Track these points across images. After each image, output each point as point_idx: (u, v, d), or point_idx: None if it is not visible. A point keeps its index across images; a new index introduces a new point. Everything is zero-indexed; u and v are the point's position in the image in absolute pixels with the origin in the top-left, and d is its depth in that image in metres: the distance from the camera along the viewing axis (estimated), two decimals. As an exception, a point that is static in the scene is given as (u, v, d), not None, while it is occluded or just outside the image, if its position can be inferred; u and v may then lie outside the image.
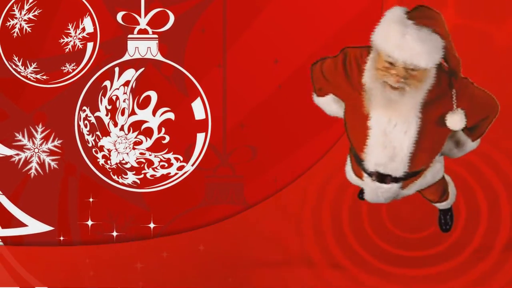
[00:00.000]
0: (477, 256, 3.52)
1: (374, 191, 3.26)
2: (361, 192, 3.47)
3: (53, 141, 3.50)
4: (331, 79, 3.19)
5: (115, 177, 3.50)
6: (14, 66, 3.47)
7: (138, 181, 3.49)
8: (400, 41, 2.90)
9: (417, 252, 3.53)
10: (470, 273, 3.52)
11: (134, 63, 3.46)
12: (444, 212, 3.56)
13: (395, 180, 3.20)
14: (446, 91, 3.06)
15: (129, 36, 3.47)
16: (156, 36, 3.46)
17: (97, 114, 3.47)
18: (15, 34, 3.46)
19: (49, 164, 3.49)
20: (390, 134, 3.07)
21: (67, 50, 3.46)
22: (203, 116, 3.47)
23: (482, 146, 3.31)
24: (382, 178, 3.20)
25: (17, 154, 3.49)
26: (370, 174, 3.20)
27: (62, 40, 3.46)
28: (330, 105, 3.26)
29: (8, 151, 3.49)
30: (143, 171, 3.48)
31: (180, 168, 3.48)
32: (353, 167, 3.31)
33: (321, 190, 3.54)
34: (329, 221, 3.54)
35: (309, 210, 3.54)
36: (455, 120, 3.06)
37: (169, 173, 3.49)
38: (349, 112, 3.19)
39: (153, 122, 3.46)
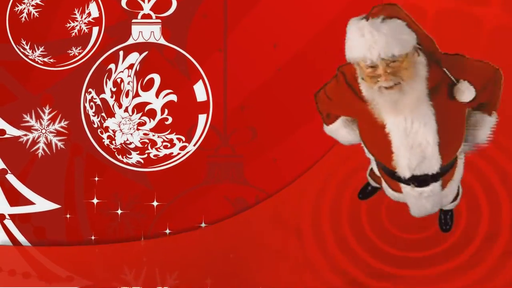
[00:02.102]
0: (478, 257, 3.51)
1: (418, 200, 3.23)
2: (361, 192, 3.50)
3: (60, 122, 3.51)
4: (338, 100, 3.18)
5: (119, 157, 3.51)
6: (22, 50, 3.48)
7: (142, 161, 3.51)
8: (362, 41, 2.90)
9: (417, 252, 3.52)
10: (471, 273, 3.51)
11: (138, 47, 3.48)
12: (444, 212, 3.51)
13: (434, 178, 3.17)
14: (440, 71, 3.05)
15: (133, 20, 3.48)
16: (159, 21, 3.47)
17: (102, 96, 3.49)
18: (23, 18, 3.47)
19: (56, 144, 3.51)
20: (411, 133, 3.04)
21: (73, 34, 3.48)
22: (204, 98, 3.49)
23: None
24: (420, 181, 3.17)
25: (25, 135, 3.51)
26: (407, 182, 3.17)
27: (68, 25, 3.47)
28: (341, 130, 3.25)
29: (16, 132, 3.51)
30: (146, 151, 3.50)
31: (182, 148, 3.50)
32: (389, 183, 3.29)
33: (320, 189, 3.52)
34: (328, 221, 3.53)
35: (308, 210, 3.53)
36: (463, 91, 3.05)
37: (172, 153, 3.50)
38: (365, 127, 3.17)
39: (156, 104, 3.47)
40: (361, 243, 3.52)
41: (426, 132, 3.03)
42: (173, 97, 3.48)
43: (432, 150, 3.06)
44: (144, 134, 3.50)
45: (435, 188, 3.20)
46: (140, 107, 3.48)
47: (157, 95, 3.48)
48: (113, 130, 3.51)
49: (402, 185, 3.22)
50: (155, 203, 3.52)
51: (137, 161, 3.52)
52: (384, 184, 3.34)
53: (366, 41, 2.90)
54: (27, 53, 3.50)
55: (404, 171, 3.12)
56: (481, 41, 3.44)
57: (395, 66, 2.92)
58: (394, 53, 2.90)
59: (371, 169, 3.40)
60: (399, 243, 3.50)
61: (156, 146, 3.50)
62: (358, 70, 3.01)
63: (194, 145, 3.51)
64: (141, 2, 3.48)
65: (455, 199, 3.44)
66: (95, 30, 3.49)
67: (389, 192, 3.34)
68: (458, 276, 3.51)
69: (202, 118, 3.50)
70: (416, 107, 3.00)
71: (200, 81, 3.49)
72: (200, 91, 3.49)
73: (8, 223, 3.53)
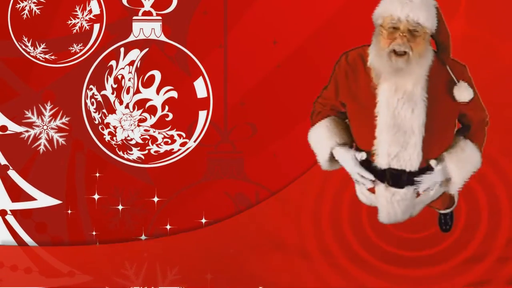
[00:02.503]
0: (476, 256, 3.52)
1: (390, 203, 3.21)
2: None
3: (61, 118, 3.52)
4: (335, 82, 3.20)
5: (120, 153, 3.52)
6: (23, 47, 3.50)
7: (143, 157, 3.52)
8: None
9: (417, 252, 3.52)
10: (470, 273, 3.53)
11: (139, 44, 3.49)
12: (444, 212, 3.53)
13: (411, 181, 3.16)
14: (442, 69, 3.11)
15: (134, 17, 3.49)
16: (160, 18, 3.48)
17: (103, 92, 3.50)
18: (24, 16, 3.48)
19: (57, 141, 3.52)
20: (399, 116, 3.07)
21: (75, 31, 3.49)
22: (205, 95, 3.50)
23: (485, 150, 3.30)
24: (396, 179, 3.16)
25: (27, 131, 3.52)
26: (382, 178, 3.17)
27: (69, 22, 3.48)
28: (319, 130, 3.24)
29: (18, 128, 3.52)
30: (147, 147, 3.51)
31: (183, 144, 3.51)
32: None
33: (320, 189, 3.53)
34: (328, 220, 3.54)
35: (309, 209, 3.54)
36: (462, 91, 3.11)
37: (173, 149, 3.51)
38: (354, 111, 3.18)
39: (157, 100, 3.48)
40: (361, 242, 3.54)
41: (413, 120, 3.07)
42: (174, 94, 3.49)
43: (415, 141, 3.09)
44: (145, 130, 3.51)
45: (408, 192, 3.19)
46: (141, 104, 3.49)
47: (157, 91, 3.49)
48: (114, 126, 3.52)
49: (377, 185, 3.21)
50: (155, 199, 3.53)
51: (138, 157, 3.53)
52: (357, 187, 3.33)
53: (406, 1, 3.04)
54: (28, 50, 3.51)
55: (382, 159, 3.13)
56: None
57: (413, 35, 3.04)
58: (419, 20, 3.04)
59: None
60: (399, 242, 3.51)
61: (157, 142, 3.51)
62: (375, 35, 3.10)
63: (195, 141, 3.52)
64: (142, -1, 3.51)
65: (452, 204, 3.46)
66: (96, 27, 3.50)
67: (362, 192, 3.32)
68: (456, 275, 3.53)
69: (202, 114, 3.51)
70: (413, 86, 3.08)
71: (201, 77, 3.50)
72: (201, 88, 3.50)
73: (10, 218, 3.55)
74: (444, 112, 3.14)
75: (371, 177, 3.18)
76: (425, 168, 3.16)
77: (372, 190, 3.26)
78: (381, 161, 3.14)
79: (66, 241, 3.55)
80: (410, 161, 3.12)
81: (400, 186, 3.18)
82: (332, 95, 3.22)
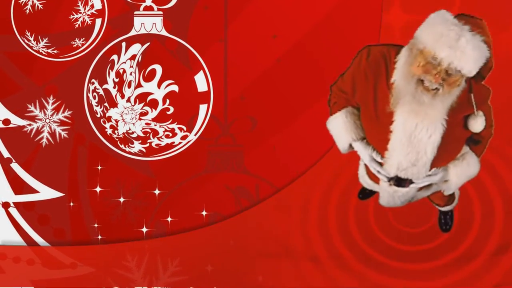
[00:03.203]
0: (471, 253, 3.53)
1: (391, 195, 3.22)
2: (360, 192, 3.52)
3: (63, 112, 3.53)
4: (354, 79, 3.09)
5: (122, 146, 3.54)
6: (26, 41, 3.51)
7: (144, 150, 3.53)
8: (454, 42, 2.81)
9: (420, 246, 3.54)
10: (463, 270, 3.54)
11: (140, 38, 3.50)
12: (444, 212, 3.52)
13: (413, 182, 3.16)
14: (467, 95, 3.00)
15: (135, 12, 3.50)
16: (161, 12, 3.49)
17: (105, 86, 3.51)
18: (27, 10, 3.49)
19: (59, 134, 3.54)
20: (415, 139, 3.00)
21: (77, 26, 3.50)
22: (205, 88, 3.51)
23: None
24: (401, 182, 3.15)
25: (30, 124, 3.54)
26: (388, 179, 3.16)
27: (72, 17, 3.49)
28: (337, 121, 3.18)
29: (21, 122, 3.53)
30: (148, 141, 3.52)
31: (183, 137, 3.52)
32: (369, 173, 3.27)
33: (327, 187, 3.53)
34: (334, 218, 3.55)
35: (315, 207, 3.55)
36: (477, 123, 3.04)
37: (173, 142, 3.53)
38: (368, 115, 3.10)
39: (158, 94, 3.49)
40: (367, 240, 3.56)
41: (428, 144, 3.01)
42: (175, 88, 3.50)
43: (426, 161, 3.06)
44: (146, 123, 3.52)
45: (411, 190, 3.20)
46: (142, 97, 3.50)
47: (159, 85, 3.50)
48: (115, 120, 3.53)
49: (381, 179, 3.21)
50: (157, 191, 3.55)
51: (139, 150, 3.54)
52: (361, 172, 3.33)
53: (457, 46, 2.83)
54: (31, 45, 3.52)
55: (391, 170, 3.11)
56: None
57: (449, 78, 2.87)
58: (462, 71, 2.86)
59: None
60: (403, 237, 3.53)
61: (158, 136, 3.53)
62: (410, 53, 2.91)
63: (195, 134, 3.53)
64: (143, -6, 3.52)
65: (452, 201, 3.45)
66: (98, 22, 3.51)
67: (365, 180, 3.33)
68: (451, 271, 3.55)
69: (203, 108, 3.52)
70: (433, 118, 2.96)
71: (201, 71, 3.51)
72: (201, 82, 3.51)
73: (13, 211, 3.57)
74: (459, 134, 3.10)
75: (386, 175, 3.16)
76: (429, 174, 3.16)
77: (375, 180, 3.25)
78: (390, 171, 3.12)
79: (68, 233, 3.57)
80: (418, 174, 3.11)
81: (403, 187, 3.18)
82: (349, 90, 3.13)
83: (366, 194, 3.53)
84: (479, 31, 2.89)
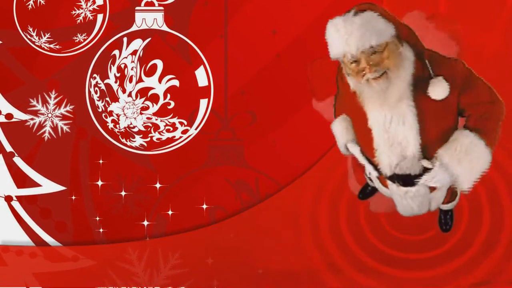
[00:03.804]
0: (477, 259, 3.51)
1: (403, 198, 3.20)
2: (361, 192, 3.50)
3: (65, 106, 3.54)
4: (339, 97, 3.21)
5: (123, 140, 3.54)
6: (29, 36, 3.52)
7: (145, 144, 3.54)
8: (338, 36, 2.92)
9: (416, 254, 3.51)
10: (470, 275, 3.51)
11: (141, 34, 3.51)
12: (444, 212, 3.48)
13: (416, 177, 3.12)
14: (424, 69, 3.01)
15: (137, 8, 3.51)
16: (162, 8, 3.50)
17: (106, 81, 3.52)
18: (30, 6, 3.50)
19: (61, 128, 3.54)
20: (390, 130, 3.01)
21: (79, 21, 3.51)
22: (206, 83, 3.52)
23: None
24: (404, 180, 3.13)
25: (32, 119, 3.54)
26: (391, 180, 3.15)
27: (74, 12, 3.50)
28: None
29: (23, 116, 3.54)
30: (149, 135, 3.53)
31: (184, 131, 3.53)
32: (379, 178, 3.27)
33: (318, 189, 3.53)
34: (327, 221, 3.54)
35: (307, 211, 3.55)
36: (437, 88, 2.98)
37: (174, 136, 3.54)
38: (355, 125, 3.17)
39: (159, 88, 3.50)
40: (359, 244, 3.55)
41: (406, 131, 3.00)
42: (175, 82, 3.51)
43: (413, 150, 3.03)
44: (147, 118, 3.53)
45: (421, 189, 3.17)
46: (143, 92, 3.52)
47: (160, 80, 3.51)
48: (117, 114, 3.54)
49: (388, 182, 3.21)
50: (158, 185, 3.56)
51: (140, 144, 3.55)
52: (376, 182, 3.33)
53: (342, 36, 2.91)
54: (33, 40, 3.53)
55: (385, 169, 3.11)
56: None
57: (376, 58, 2.91)
58: (372, 44, 2.89)
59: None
60: (398, 244, 3.52)
61: (159, 130, 3.53)
62: (343, 66, 3.01)
63: (196, 128, 3.54)
64: (144, -10, 3.51)
65: (454, 198, 3.42)
66: (100, 17, 3.51)
67: (380, 187, 3.33)
68: (457, 277, 3.53)
69: (203, 102, 3.53)
70: (397, 99, 2.96)
71: (202, 66, 3.52)
72: (202, 76, 3.52)
73: (15, 204, 3.58)
74: (438, 112, 3.05)
75: (376, 173, 3.17)
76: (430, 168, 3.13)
77: (385, 185, 3.25)
78: (385, 170, 3.13)
79: (70, 227, 3.58)
80: (412, 167, 3.10)
81: (411, 185, 3.16)
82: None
83: (367, 194, 3.52)
84: (354, 9, 2.95)
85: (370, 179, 3.40)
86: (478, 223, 3.50)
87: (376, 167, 3.15)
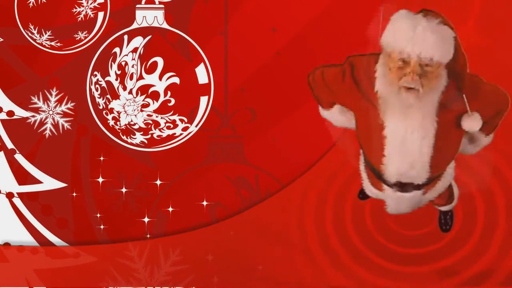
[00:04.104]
0: (473, 255, 3.52)
1: (396, 201, 3.20)
2: (361, 192, 3.49)
3: (66, 103, 3.55)
4: (338, 90, 3.13)
5: (124, 137, 3.55)
6: (30, 34, 3.52)
7: (146, 141, 3.55)
8: (412, 33, 2.81)
9: (419, 249, 3.52)
10: (465, 272, 3.52)
11: (142, 31, 3.51)
12: (444, 212, 3.49)
13: (417, 187, 3.13)
14: (457, 93, 2.97)
15: (137, 6, 3.51)
16: (162, 6, 3.50)
17: (107, 78, 3.52)
18: (31, 4, 3.51)
19: (62, 125, 3.55)
20: (407, 142, 2.97)
21: (80, 19, 3.51)
22: (206, 81, 3.52)
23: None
24: (404, 187, 3.12)
25: (33, 116, 3.55)
26: (391, 185, 3.13)
27: (74, 10, 3.51)
28: (337, 116, 3.22)
29: (24, 113, 3.55)
30: (150, 132, 3.54)
31: (184, 129, 3.54)
32: (372, 181, 3.26)
33: (323, 187, 3.54)
34: (331, 219, 3.55)
35: (312, 208, 3.56)
36: (471, 123, 2.98)
37: (175, 133, 3.54)
38: (361, 123, 3.11)
39: (160, 86, 3.51)
40: (364, 241, 3.56)
41: (422, 146, 2.98)
42: (176, 80, 3.52)
43: (423, 162, 3.03)
44: (148, 115, 3.53)
45: (416, 194, 3.17)
46: (144, 89, 3.52)
47: (160, 77, 3.51)
48: (117, 112, 3.54)
49: (385, 186, 3.20)
50: (158, 182, 3.56)
51: (141, 141, 3.56)
52: (365, 181, 3.32)
53: (415, 36, 2.81)
54: (35, 37, 3.53)
55: (391, 176, 3.09)
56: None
57: (425, 70, 2.84)
58: (434, 58, 2.82)
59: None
60: (404, 241, 3.53)
61: (160, 127, 3.54)
62: (383, 60, 2.91)
63: (196, 126, 3.55)
64: (145, -12, 3.52)
65: (451, 200, 3.43)
66: (101, 15, 3.52)
67: (369, 188, 3.32)
68: (454, 274, 3.55)
69: (203, 100, 3.53)
70: (423, 119, 2.93)
71: (202, 64, 3.52)
72: (202, 74, 3.53)
73: (17, 201, 3.58)
74: (454, 134, 3.07)
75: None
76: (432, 178, 3.13)
77: (379, 188, 3.24)
78: (390, 177, 3.11)
79: (71, 223, 3.58)
80: (419, 177, 3.09)
81: (407, 192, 3.17)
82: (332, 95, 3.16)
83: (366, 194, 3.51)
84: (436, 15, 2.87)
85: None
86: (472, 224, 3.52)
87: (378, 173, 3.14)
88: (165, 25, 3.52)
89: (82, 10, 3.52)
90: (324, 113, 3.30)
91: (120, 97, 3.53)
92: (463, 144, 3.16)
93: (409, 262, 3.53)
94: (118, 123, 3.55)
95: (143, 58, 3.52)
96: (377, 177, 3.19)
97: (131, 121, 3.55)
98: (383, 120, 2.99)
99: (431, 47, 2.81)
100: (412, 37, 2.81)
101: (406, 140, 2.99)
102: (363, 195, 3.51)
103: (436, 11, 2.94)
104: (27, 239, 3.59)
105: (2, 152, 3.58)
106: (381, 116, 2.99)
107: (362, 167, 3.34)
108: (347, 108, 3.20)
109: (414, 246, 3.52)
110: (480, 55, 3.29)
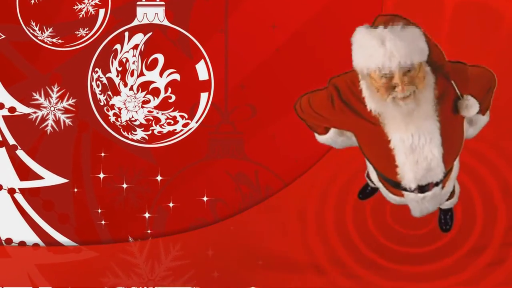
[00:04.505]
0: (475, 253, 3.53)
1: (421, 203, 3.16)
2: (361, 192, 3.52)
3: (67, 100, 3.56)
4: (330, 116, 3.05)
5: (125, 133, 3.56)
6: (31, 31, 3.53)
7: (146, 137, 3.56)
8: (383, 49, 2.74)
9: (418, 248, 3.53)
10: (463, 273, 3.53)
11: (143, 28, 3.53)
12: (444, 212, 3.49)
13: (437, 184, 3.10)
14: (447, 83, 2.94)
15: (138, 3, 3.52)
16: (163, 3, 3.52)
17: (108, 75, 3.54)
18: (32, 1, 3.53)
19: (64, 121, 3.56)
20: (417, 148, 2.93)
21: (81, 16, 3.52)
22: (206, 77, 3.54)
23: (477, 146, 3.33)
24: (424, 188, 3.09)
25: (35, 112, 3.56)
26: (412, 191, 3.09)
27: (76, 7, 3.52)
28: (336, 139, 3.17)
29: (26, 109, 3.56)
30: (151, 128, 3.55)
31: (185, 125, 3.55)
32: (390, 190, 3.21)
33: (325, 188, 3.54)
34: (332, 218, 3.56)
35: (312, 208, 3.57)
36: (469, 109, 2.95)
37: (175, 129, 3.56)
38: (363, 140, 3.06)
39: (160, 82, 3.52)
40: (365, 241, 3.58)
41: (432, 147, 2.94)
42: (176, 76, 3.53)
43: (437, 162, 2.99)
44: (149, 111, 3.54)
45: (436, 191, 3.15)
46: (144, 86, 3.53)
47: (161, 74, 3.53)
48: (118, 108, 3.56)
49: (405, 192, 3.17)
50: (159, 178, 3.58)
51: (141, 137, 3.57)
52: (383, 190, 3.29)
53: (387, 50, 2.74)
54: (36, 34, 3.54)
55: (410, 183, 3.05)
56: (501, 35, 3.46)
57: (411, 76, 2.79)
58: (414, 61, 2.77)
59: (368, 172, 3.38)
60: (404, 240, 3.54)
61: (160, 123, 3.55)
62: (366, 82, 2.86)
63: (196, 122, 3.56)
64: (146, -15, 3.53)
65: (452, 196, 3.41)
66: (102, 12, 3.53)
67: (389, 196, 3.29)
68: (452, 273, 3.56)
69: (204, 96, 3.55)
70: (425, 119, 2.89)
71: (202, 60, 3.54)
72: (202, 70, 3.54)
73: (18, 196, 3.60)
74: (456, 123, 3.05)
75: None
76: (447, 171, 3.10)
77: (399, 195, 3.21)
78: (409, 184, 3.06)
79: (73, 219, 3.59)
80: (436, 175, 3.05)
81: (429, 191, 3.14)
82: (326, 121, 3.11)
83: (366, 194, 3.54)
84: (395, 21, 2.82)
85: (371, 180, 3.40)
86: (471, 224, 3.54)
87: (395, 183, 3.11)
88: (166, 22, 3.53)
89: (83, 7, 3.53)
90: (321, 138, 3.24)
91: (121, 93, 3.55)
92: (465, 128, 3.13)
93: (409, 261, 3.55)
94: (119, 119, 3.57)
95: (144, 55, 3.53)
96: (395, 187, 3.15)
97: (132, 117, 3.56)
98: (387, 133, 2.95)
99: (407, 53, 2.75)
100: (384, 53, 2.74)
101: (415, 146, 2.94)
102: (363, 195, 3.53)
103: (391, 14, 2.89)
104: (29, 234, 3.60)
105: (4, 148, 3.59)
106: (384, 130, 2.95)
107: (374, 177, 3.28)
108: (344, 130, 3.17)
109: (414, 245, 3.54)
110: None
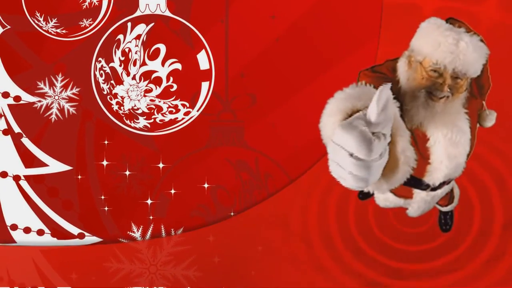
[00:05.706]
0: (469, 254, 3.54)
1: (430, 202, 3.14)
2: (360, 192, 3.51)
3: (71, 89, 3.58)
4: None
5: (128, 122, 3.59)
6: (36, 21, 3.55)
7: (149, 125, 3.58)
8: (455, 47, 2.72)
9: (419, 246, 3.54)
10: (462, 271, 3.54)
11: (145, 19, 3.54)
12: (444, 212, 3.50)
13: (449, 181, 3.08)
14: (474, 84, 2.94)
15: None
16: None
17: (111, 64, 3.56)
18: (37, -8, 3.53)
19: (68, 110, 3.58)
20: (454, 143, 2.90)
21: (85, 7, 3.54)
22: (207, 67, 3.55)
23: (476, 148, 3.22)
24: (440, 186, 3.05)
25: (39, 101, 3.58)
26: (426, 189, 3.05)
27: None
28: None
29: (31, 98, 3.58)
30: (153, 116, 3.57)
31: (186, 113, 3.57)
32: (397, 193, 3.17)
33: (327, 187, 3.56)
34: (335, 217, 3.58)
35: (315, 205, 3.59)
36: (488, 121, 3.02)
37: (177, 118, 3.58)
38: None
39: (162, 72, 3.54)
40: (367, 240, 3.60)
41: (464, 142, 2.94)
42: (178, 66, 3.55)
43: (463, 159, 2.97)
44: (151, 100, 3.56)
45: (445, 189, 3.16)
46: (147, 75, 3.55)
47: (162, 63, 3.55)
48: (121, 97, 3.58)
49: (416, 191, 3.13)
50: (161, 165, 3.60)
51: (144, 125, 3.60)
52: (377, 195, 3.28)
53: (457, 50, 2.72)
54: (41, 25, 3.57)
55: (437, 180, 3.00)
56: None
57: (456, 83, 2.78)
58: (467, 74, 2.77)
59: None
60: (405, 238, 3.56)
61: (162, 112, 3.57)
62: (412, 67, 2.81)
63: (198, 110, 3.58)
64: (148, -23, 3.54)
65: (452, 200, 3.42)
66: (105, 3, 3.55)
67: (389, 200, 3.26)
68: (450, 272, 3.58)
69: (205, 85, 3.56)
70: (457, 115, 2.88)
71: (203, 50, 3.56)
72: (203, 60, 3.56)
73: (23, 183, 3.62)
74: (476, 116, 3.04)
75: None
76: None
77: (406, 196, 3.19)
78: (435, 181, 3.00)
79: (77, 205, 3.62)
80: (457, 173, 3.03)
81: (440, 188, 3.12)
82: None
83: (366, 193, 3.49)
84: (474, 32, 2.82)
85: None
86: (469, 223, 3.56)
87: (416, 181, 3.03)
88: (168, 13, 3.55)
89: (87, -2, 3.55)
90: None
91: (124, 82, 3.56)
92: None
93: (408, 259, 3.57)
94: (122, 107, 3.58)
95: (146, 45, 3.55)
96: (412, 186, 3.08)
97: (135, 106, 3.58)
98: (426, 133, 2.91)
99: (469, 63, 2.75)
100: (454, 51, 2.73)
101: (452, 143, 2.91)
102: (363, 195, 3.54)
103: (465, 23, 2.87)
104: (34, 220, 3.62)
105: (9, 136, 3.61)
106: (423, 129, 2.90)
107: None
108: None
109: (414, 243, 3.56)
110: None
